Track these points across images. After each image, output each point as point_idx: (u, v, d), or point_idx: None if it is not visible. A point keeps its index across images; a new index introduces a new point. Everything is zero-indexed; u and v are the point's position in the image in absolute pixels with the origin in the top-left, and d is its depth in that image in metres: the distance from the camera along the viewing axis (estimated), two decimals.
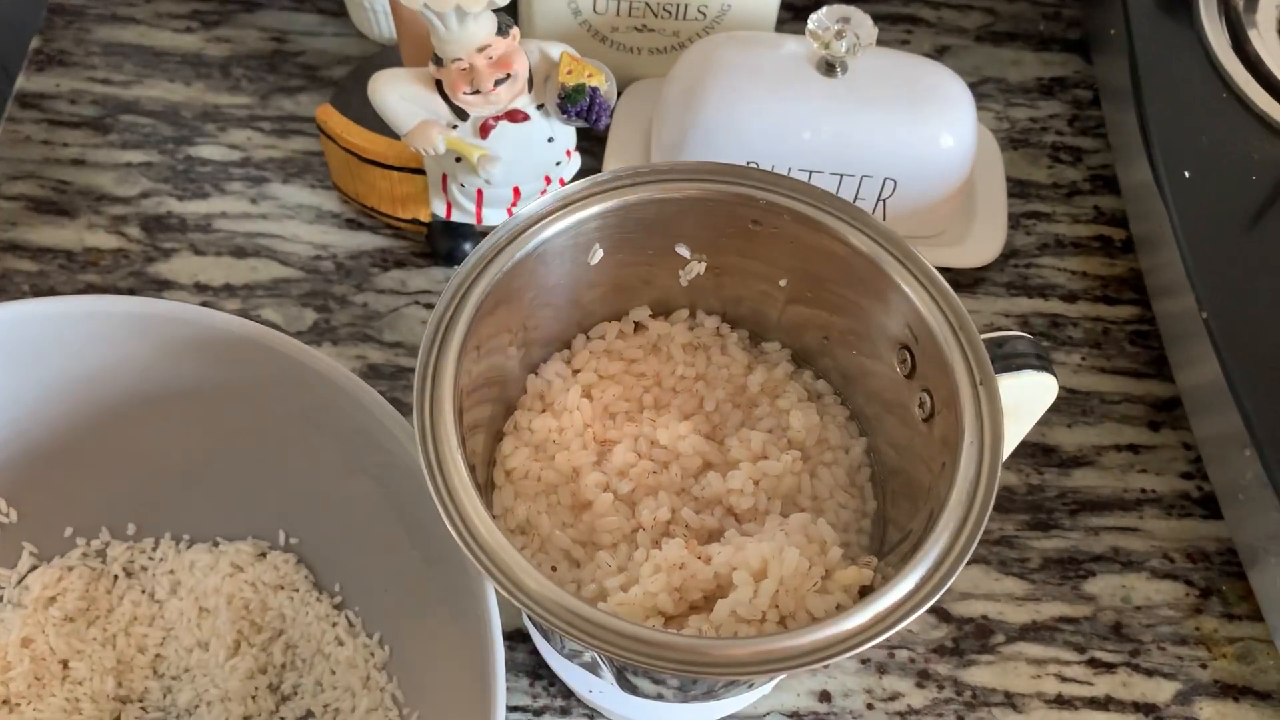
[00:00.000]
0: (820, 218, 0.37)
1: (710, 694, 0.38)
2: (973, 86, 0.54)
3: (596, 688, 0.40)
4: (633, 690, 0.38)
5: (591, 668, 0.38)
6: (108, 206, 0.57)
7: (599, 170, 0.56)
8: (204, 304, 0.54)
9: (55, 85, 0.61)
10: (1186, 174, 0.51)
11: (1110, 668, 0.47)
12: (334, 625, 0.44)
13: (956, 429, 0.34)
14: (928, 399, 0.36)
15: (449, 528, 0.31)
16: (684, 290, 0.41)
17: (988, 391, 0.34)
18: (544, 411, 0.40)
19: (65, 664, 0.43)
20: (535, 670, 0.46)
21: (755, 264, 0.40)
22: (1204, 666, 0.47)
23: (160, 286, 0.54)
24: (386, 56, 0.60)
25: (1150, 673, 0.47)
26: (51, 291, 0.54)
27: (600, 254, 0.39)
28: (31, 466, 0.44)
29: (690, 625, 0.35)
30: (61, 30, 0.63)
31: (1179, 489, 0.52)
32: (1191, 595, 0.49)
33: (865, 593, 0.35)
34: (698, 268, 0.40)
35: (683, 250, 0.40)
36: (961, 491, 0.33)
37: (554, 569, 0.37)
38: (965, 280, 0.56)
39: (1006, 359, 0.35)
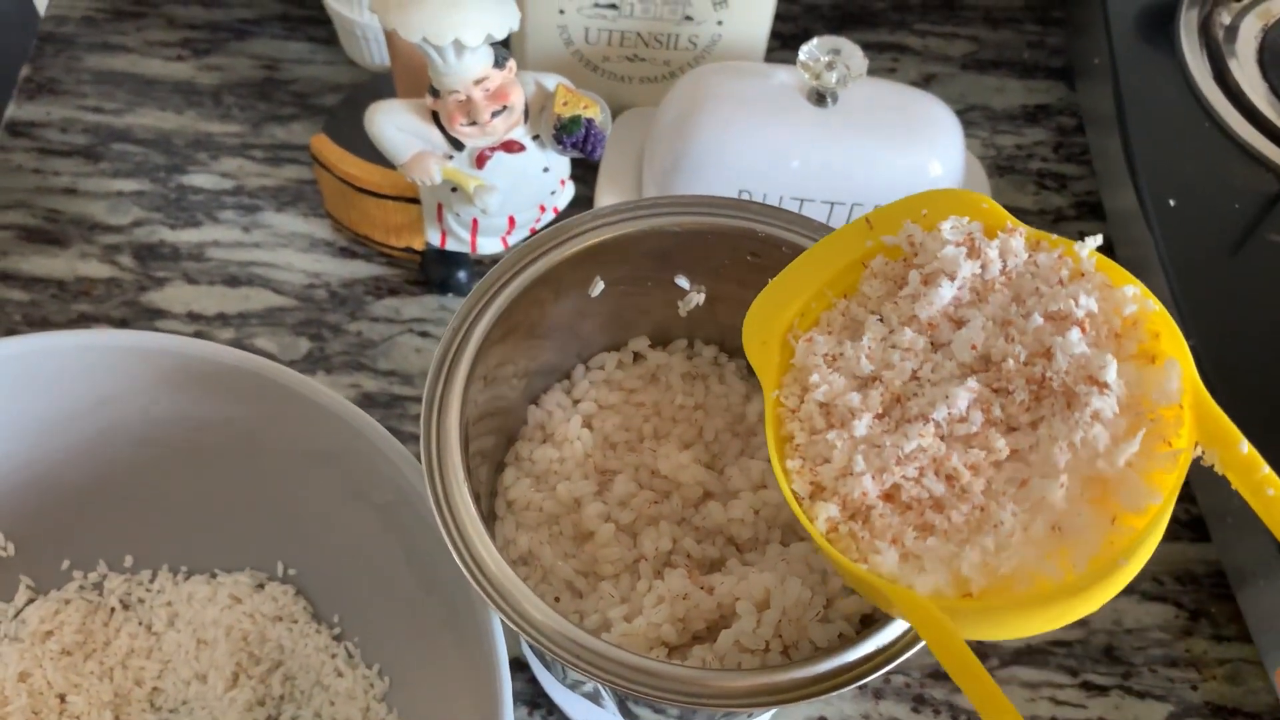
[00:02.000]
0: None
1: None
2: (959, 114, 0.54)
3: (597, 717, 0.40)
4: None
5: (593, 698, 0.38)
6: (100, 235, 0.57)
7: (591, 199, 0.56)
8: (197, 333, 0.54)
9: (46, 113, 0.60)
10: (1171, 201, 0.52)
11: (1103, 690, 0.47)
12: (333, 656, 0.44)
13: None
14: None
15: (457, 561, 0.32)
16: (682, 320, 0.42)
17: None
18: (545, 442, 0.40)
19: (63, 698, 0.43)
20: (534, 700, 0.46)
21: (753, 294, 0.40)
22: (1195, 688, 0.48)
23: (153, 316, 0.54)
24: (378, 84, 0.60)
25: (1142, 695, 0.47)
26: (44, 321, 0.54)
27: (601, 285, 0.39)
28: (28, 499, 0.44)
29: (693, 655, 0.35)
30: (52, 58, 0.63)
31: None
32: (1181, 617, 0.49)
33: (867, 621, 0.36)
34: (697, 298, 0.41)
35: (682, 281, 0.40)
36: None
37: (557, 600, 0.37)
38: None
39: None
